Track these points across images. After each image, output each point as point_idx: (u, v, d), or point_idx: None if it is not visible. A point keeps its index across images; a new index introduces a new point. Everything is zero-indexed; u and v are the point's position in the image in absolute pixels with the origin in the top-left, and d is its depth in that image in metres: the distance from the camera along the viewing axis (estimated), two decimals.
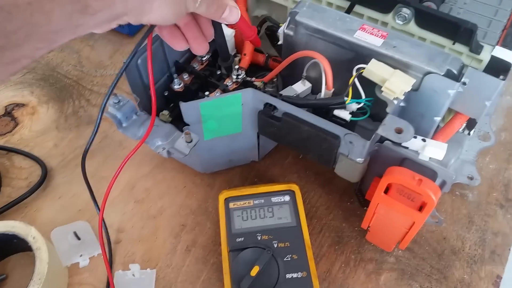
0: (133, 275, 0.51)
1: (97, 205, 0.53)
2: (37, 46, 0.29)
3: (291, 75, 0.55)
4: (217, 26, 0.51)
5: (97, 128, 0.46)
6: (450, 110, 0.52)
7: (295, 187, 0.53)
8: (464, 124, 0.53)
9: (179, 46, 0.42)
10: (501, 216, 0.57)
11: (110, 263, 0.53)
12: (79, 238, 0.54)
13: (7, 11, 0.25)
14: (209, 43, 0.44)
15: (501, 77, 0.46)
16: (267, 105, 0.48)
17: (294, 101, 0.48)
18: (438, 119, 0.49)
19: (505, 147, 0.64)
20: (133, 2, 0.32)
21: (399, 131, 0.42)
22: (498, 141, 0.64)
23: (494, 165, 0.62)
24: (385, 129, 0.43)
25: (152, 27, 0.40)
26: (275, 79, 0.58)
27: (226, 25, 0.55)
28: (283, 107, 0.47)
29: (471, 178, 0.57)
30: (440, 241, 0.55)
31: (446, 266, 0.53)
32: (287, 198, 0.53)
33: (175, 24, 0.40)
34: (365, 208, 0.50)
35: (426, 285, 0.52)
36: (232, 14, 0.40)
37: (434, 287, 0.52)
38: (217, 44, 0.54)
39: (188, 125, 0.49)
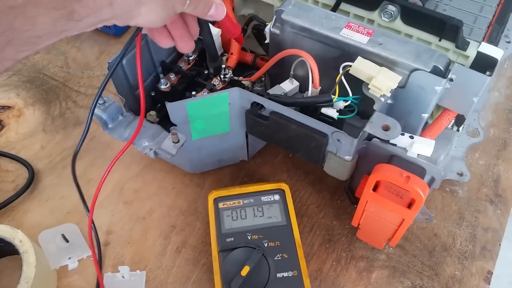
0: (123, 277, 0.51)
1: (87, 207, 0.52)
2: (19, 50, 0.28)
3: (279, 74, 0.55)
4: (204, 26, 0.51)
5: (87, 130, 0.46)
6: (438, 107, 0.52)
7: (284, 186, 0.53)
8: (453, 121, 0.53)
9: (165, 43, 0.42)
10: (491, 212, 0.58)
11: (100, 265, 0.52)
12: (67, 241, 0.53)
13: None
14: (195, 42, 0.43)
15: (488, 73, 0.46)
16: (255, 104, 0.48)
17: (281, 99, 0.47)
18: (425, 115, 0.49)
19: (494, 143, 0.64)
20: (120, 8, 0.31)
21: (386, 128, 0.42)
22: (487, 137, 0.65)
23: (483, 161, 0.63)
24: (372, 126, 0.43)
25: (140, 28, 0.40)
26: (263, 78, 0.58)
27: (212, 23, 0.54)
28: (271, 106, 0.47)
29: (461, 174, 0.58)
30: (431, 238, 0.55)
31: (438, 262, 0.53)
32: (277, 197, 0.52)
33: None
34: (355, 206, 0.50)
35: (417, 282, 0.52)
36: (218, 11, 0.40)
37: (426, 283, 0.52)
38: (205, 44, 0.54)
39: (175, 125, 0.49)
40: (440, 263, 0.53)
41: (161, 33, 0.41)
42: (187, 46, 0.42)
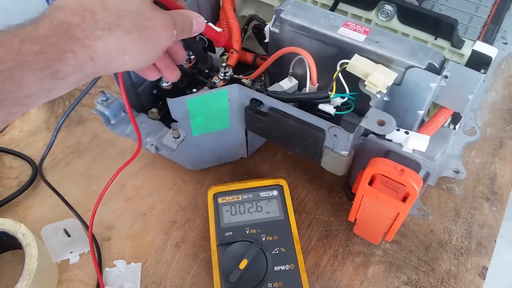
0: (120, 271, 0.52)
1: (76, 212, 0.56)
2: (10, 111, 0.29)
3: (278, 73, 0.56)
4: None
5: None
6: (435, 105, 0.53)
7: (283, 182, 0.54)
8: (449, 119, 0.54)
9: (151, 76, 0.43)
10: (487, 209, 0.58)
11: (100, 260, 0.53)
12: (69, 235, 0.54)
13: None
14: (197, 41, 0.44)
15: (482, 70, 0.47)
16: (253, 100, 0.49)
17: (279, 96, 0.48)
18: (421, 112, 0.50)
19: (490, 142, 0.65)
20: (102, 62, 0.32)
21: (381, 123, 0.43)
22: (484, 136, 0.66)
23: (480, 159, 0.63)
24: (368, 121, 0.44)
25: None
26: (263, 77, 0.59)
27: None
28: (269, 102, 0.48)
29: (457, 172, 0.58)
30: (427, 234, 0.56)
31: (433, 258, 0.54)
32: (275, 192, 0.53)
33: None
34: (352, 202, 0.51)
35: (413, 277, 0.53)
36: (198, 24, 0.41)
37: (422, 279, 0.52)
38: (191, 50, 0.54)
39: (176, 121, 0.50)
40: (436, 258, 0.54)
41: (147, 69, 0.42)
42: (173, 75, 0.43)
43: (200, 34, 0.57)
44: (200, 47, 0.55)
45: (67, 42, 0.30)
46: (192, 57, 0.59)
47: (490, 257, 0.54)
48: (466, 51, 0.50)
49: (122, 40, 0.33)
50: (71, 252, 0.53)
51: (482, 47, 0.49)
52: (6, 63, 0.28)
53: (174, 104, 0.48)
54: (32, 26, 0.30)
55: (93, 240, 0.54)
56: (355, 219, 0.52)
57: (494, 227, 0.57)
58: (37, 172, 0.61)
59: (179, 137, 0.48)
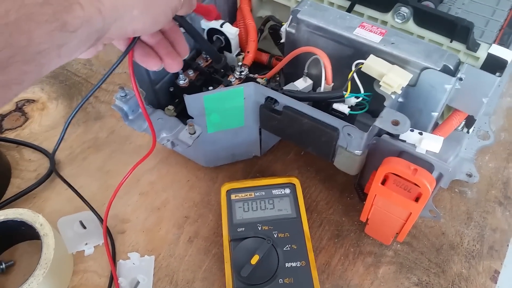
0: (133, 263, 0.53)
1: (90, 205, 0.57)
2: (23, 69, 0.28)
3: (293, 73, 0.57)
4: (197, 35, 0.50)
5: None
6: (449, 108, 0.53)
7: (295, 180, 0.55)
8: (463, 122, 0.54)
9: (153, 65, 0.42)
10: (500, 213, 0.58)
11: (114, 253, 0.54)
12: (84, 227, 0.55)
13: None
14: (213, 41, 0.44)
15: (498, 74, 0.47)
16: (268, 98, 0.50)
17: (294, 94, 0.49)
18: (435, 114, 0.50)
19: (504, 147, 0.65)
20: (109, 14, 0.31)
21: (395, 123, 0.44)
22: (498, 140, 0.65)
23: (493, 164, 0.63)
24: (382, 121, 0.44)
25: (134, 40, 0.39)
26: (278, 78, 0.60)
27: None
28: (284, 100, 0.48)
29: (470, 175, 0.58)
30: (439, 236, 0.56)
31: (445, 260, 0.54)
32: (287, 190, 0.54)
33: (147, 43, 0.41)
34: (364, 203, 0.51)
35: (424, 279, 0.53)
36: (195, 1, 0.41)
37: (432, 280, 0.52)
38: (204, 51, 0.55)
39: (192, 118, 0.51)
40: (447, 261, 0.54)
41: (149, 55, 0.41)
42: (176, 64, 0.43)
43: (215, 32, 0.58)
44: (212, 47, 0.56)
45: None
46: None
47: (503, 261, 0.54)
48: (482, 54, 0.50)
49: None
50: (86, 244, 0.55)
51: (498, 50, 0.49)
52: (11, 15, 0.26)
53: (191, 101, 0.49)
54: None
55: (108, 232, 0.55)
56: (367, 219, 0.52)
57: (506, 232, 0.56)
58: (54, 165, 0.62)
59: (194, 133, 0.49)
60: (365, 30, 0.49)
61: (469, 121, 0.54)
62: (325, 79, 0.50)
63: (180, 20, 0.45)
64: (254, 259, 0.47)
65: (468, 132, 0.56)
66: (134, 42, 0.39)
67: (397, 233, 0.51)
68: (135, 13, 0.33)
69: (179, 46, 0.43)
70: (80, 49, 0.31)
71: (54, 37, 0.29)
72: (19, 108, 0.70)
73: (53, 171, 0.61)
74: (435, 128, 0.53)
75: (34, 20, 0.27)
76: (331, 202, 0.59)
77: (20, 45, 0.27)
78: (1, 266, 0.52)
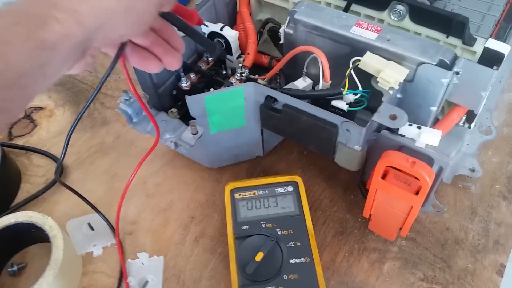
0: (142, 263, 0.54)
1: (96, 209, 0.58)
2: (6, 95, 0.26)
3: (293, 74, 0.57)
4: (186, 28, 0.48)
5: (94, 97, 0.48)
6: (449, 104, 0.54)
7: (298, 179, 0.55)
8: (464, 117, 0.55)
9: (153, 67, 0.41)
10: (504, 208, 0.58)
11: (122, 253, 0.55)
12: (93, 229, 0.56)
13: None
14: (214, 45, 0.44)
15: (495, 67, 0.47)
16: (268, 97, 0.50)
17: (293, 93, 0.50)
18: (434, 109, 0.51)
19: (507, 142, 0.65)
20: (89, 24, 0.29)
21: (393, 117, 0.44)
22: (501, 135, 0.65)
23: (496, 159, 0.63)
24: (380, 116, 0.45)
25: (121, 46, 0.38)
26: (278, 79, 0.61)
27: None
28: (283, 98, 0.49)
29: (473, 170, 0.58)
30: (443, 231, 0.56)
31: (450, 255, 0.54)
32: (290, 188, 0.55)
33: (143, 46, 0.40)
34: None
35: (429, 274, 0.53)
36: None
37: (438, 275, 0.53)
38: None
39: (194, 119, 0.52)
40: (452, 255, 0.54)
41: (146, 57, 0.40)
42: (175, 61, 0.42)
43: (216, 35, 0.59)
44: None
45: (46, 9, 0.28)
46: (210, 59, 0.61)
47: (508, 255, 0.54)
48: (478, 48, 0.50)
49: None
50: (94, 245, 0.56)
51: (494, 44, 0.50)
52: None
53: (192, 102, 0.50)
54: (5, 4, 0.27)
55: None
56: (370, 215, 0.52)
57: (511, 226, 0.56)
58: (62, 170, 0.64)
59: (197, 133, 0.50)
60: (361, 28, 0.50)
61: (470, 116, 0.55)
62: (323, 76, 0.51)
63: (166, 16, 0.43)
64: (259, 256, 0.48)
65: (469, 127, 0.57)
66: (123, 47, 0.38)
67: (400, 228, 0.51)
68: (117, 17, 0.31)
69: (175, 41, 0.42)
70: (66, 64, 0.30)
71: (33, 57, 0.27)
72: (27, 116, 0.72)
73: (57, 181, 0.61)
74: (435, 123, 0.53)
75: (8, 42, 0.26)
76: (335, 200, 0.60)
77: None
78: (14, 268, 0.54)
